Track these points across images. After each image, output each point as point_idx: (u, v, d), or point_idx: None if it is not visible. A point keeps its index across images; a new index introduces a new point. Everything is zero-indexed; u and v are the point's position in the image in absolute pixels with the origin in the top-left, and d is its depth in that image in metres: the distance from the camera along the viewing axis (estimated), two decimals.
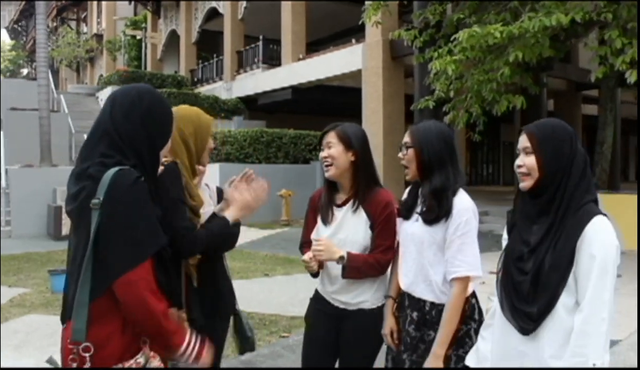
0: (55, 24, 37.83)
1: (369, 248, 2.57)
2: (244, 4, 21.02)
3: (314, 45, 20.57)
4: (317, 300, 2.77)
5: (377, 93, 14.38)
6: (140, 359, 1.83)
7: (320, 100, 19.01)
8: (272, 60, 19.94)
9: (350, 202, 2.62)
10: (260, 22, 21.02)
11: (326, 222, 2.67)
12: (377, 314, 2.61)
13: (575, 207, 1.86)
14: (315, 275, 2.69)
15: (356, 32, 16.70)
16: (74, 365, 1.75)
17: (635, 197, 9.43)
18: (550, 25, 6.94)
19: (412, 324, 2.44)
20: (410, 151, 2.44)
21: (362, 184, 2.60)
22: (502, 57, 8.05)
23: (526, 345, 1.91)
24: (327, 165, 2.60)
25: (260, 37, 20.15)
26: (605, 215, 1.87)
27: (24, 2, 39.39)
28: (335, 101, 19.02)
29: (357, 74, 15.41)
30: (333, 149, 2.58)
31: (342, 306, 2.64)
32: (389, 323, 2.58)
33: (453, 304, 2.31)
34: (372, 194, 2.59)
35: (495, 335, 2.06)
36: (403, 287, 2.52)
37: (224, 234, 2.34)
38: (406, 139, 2.47)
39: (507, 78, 7.90)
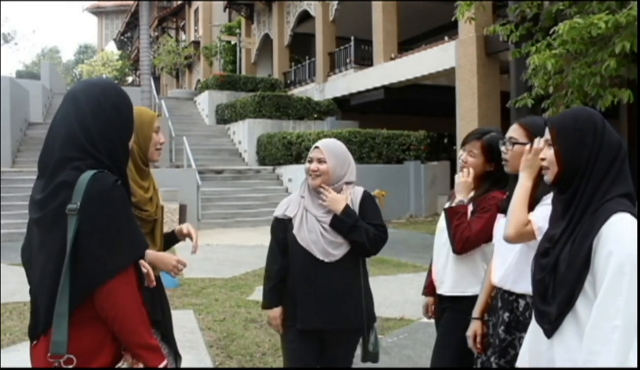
0: (156, 33, 39.70)
1: None
2: (335, 5, 21.15)
3: (406, 44, 20.38)
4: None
5: (472, 91, 14.03)
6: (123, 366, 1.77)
7: (413, 100, 18.79)
8: (364, 60, 19.92)
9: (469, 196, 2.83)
10: (352, 23, 21.07)
11: None
12: (465, 307, 2.68)
13: (598, 203, 1.71)
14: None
15: (449, 29, 16.39)
16: None
17: None
18: None
19: (502, 325, 2.35)
20: (518, 148, 2.36)
21: (487, 187, 2.79)
22: (606, 48, 7.59)
23: (551, 348, 1.80)
24: (463, 169, 2.83)
25: (352, 37, 20.19)
26: (631, 212, 1.68)
27: (129, 15, 41.62)
28: (429, 100, 18.75)
29: (450, 72, 15.11)
30: (473, 160, 2.81)
31: (440, 292, 2.88)
32: (473, 326, 2.56)
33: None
34: (493, 195, 2.73)
35: (528, 336, 1.97)
36: (495, 280, 2.44)
37: None
38: (514, 134, 2.41)
39: (613, 71, 7.42)
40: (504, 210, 2.42)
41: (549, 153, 1.85)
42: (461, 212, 2.72)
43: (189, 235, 2.70)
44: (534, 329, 1.92)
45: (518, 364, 2.05)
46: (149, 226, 2.58)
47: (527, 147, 2.16)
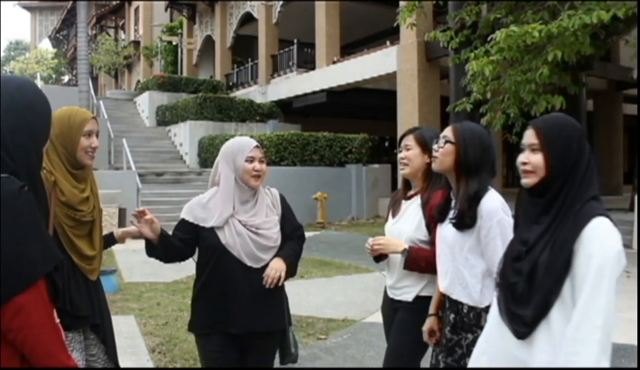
0: (94, 32, 38.61)
1: (418, 244, 2.72)
2: (278, 8, 21.15)
3: (349, 48, 20.57)
4: (384, 293, 2.97)
5: (413, 95, 14.31)
6: None
7: (355, 103, 19.00)
8: (307, 63, 20.00)
9: (416, 197, 2.80)
10: (295, 26, 21.12)
11: (395, 214, 2.90)
12: (420, 307, 2.67)
13: (576, 207, 1.77)
14: (377, 260, 2.88)
15: (391, 34, 16.65)
16: None
17: None
18: (591, 22, 6.78)
19: (448, 326, 2.43)
20: (449, 146, 2.40)
21: (433, 184, 2.74)
22: (540, 56, 7.90)
23: (521, 350, 1.82)
24: (403, 165, 2.81)
25: (295, 40, 20.24)
26: (607, 215, 1.76)
27: (65, 12, 40.36)
28: (370, 104, 18.99)
29: (392, 77, 15.36)
30: (410, 152, 2.78)
31: (396, 298, 2.81)
32: (429, 321, 2.61)
33: None
34: (436, 195, 2.67)
35: (491, 337, 1.97)
36: (441, 288, 2.51)
37: None
38: (447, 133, 2.44)
39: (546, 78, 7.73)
40: (439, 219, 2.51)
41: (534, 158, 1.86)
42: (418, 256, 2.67)
43: (131, 234, 2.76)
44: (494, 330, 1.93)
45: (473, 364, 2.04)
46: (86, 228, 2.49)
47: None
